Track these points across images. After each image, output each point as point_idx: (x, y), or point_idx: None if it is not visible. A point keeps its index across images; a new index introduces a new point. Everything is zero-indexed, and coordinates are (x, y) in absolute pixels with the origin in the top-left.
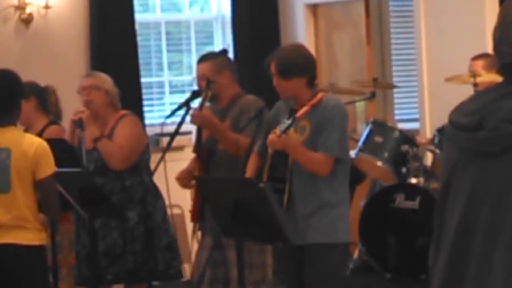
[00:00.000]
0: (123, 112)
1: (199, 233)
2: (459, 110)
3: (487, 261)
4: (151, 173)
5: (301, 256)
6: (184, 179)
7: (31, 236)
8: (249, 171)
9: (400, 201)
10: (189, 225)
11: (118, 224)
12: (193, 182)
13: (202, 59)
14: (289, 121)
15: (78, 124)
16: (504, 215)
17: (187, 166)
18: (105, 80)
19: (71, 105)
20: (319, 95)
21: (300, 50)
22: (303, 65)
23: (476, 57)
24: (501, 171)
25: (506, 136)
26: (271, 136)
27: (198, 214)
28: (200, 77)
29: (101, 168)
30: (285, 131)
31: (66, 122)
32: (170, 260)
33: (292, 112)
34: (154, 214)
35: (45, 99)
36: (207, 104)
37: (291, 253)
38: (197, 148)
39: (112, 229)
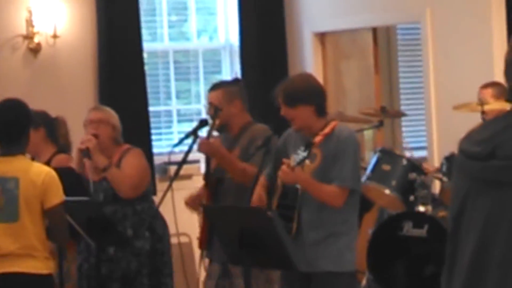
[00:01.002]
0: (127, 145)
1: (206, 261)
2: (469, 138)
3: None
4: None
5: (308, 284)
6: (192, 203)
7: (39, 264)
8: (255, 197)
9: (408, 229)
10: (197, 253)
11: (134, 248)
12: (201, 209)
13: (213, 88)
14: (304, 153)
15: (85, 153)
16: None
17: (195, 191)
18: (113, 115)
19: (79, 135)
20: (332, 124)
21: (306, 78)
22: (308, 93)
23: (485, 86)
24: None
25: None
26: (283, 168)
27: (206, 242)
28: (210, 105)
29: (112, 197)
30: (300, 163)
31: (74, 151)
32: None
33: (309, 145)
34: (164, 239)
35: (55, 129)
36: (215, 133)
37: (299, 280)
38: (206, 176)
39: (127, 254)
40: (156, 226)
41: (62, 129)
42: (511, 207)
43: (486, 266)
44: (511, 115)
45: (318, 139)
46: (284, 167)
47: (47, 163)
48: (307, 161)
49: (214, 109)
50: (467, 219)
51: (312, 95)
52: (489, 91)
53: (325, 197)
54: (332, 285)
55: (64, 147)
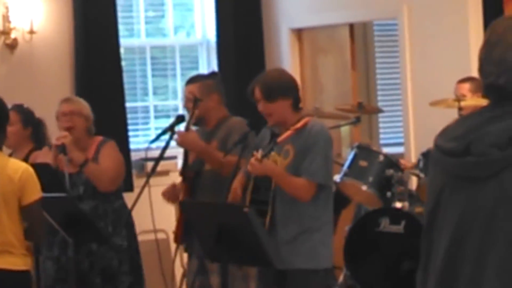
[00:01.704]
0: (100, 137)
1: (185, 255)
2: (445, 134)
3: (477, 286)
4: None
5: (283, 281)
6: (169, 195)
7: (17, 261)
8: (236, 189)
9: (385, 225)
10: (174, 249)
11: (114, 245)
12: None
13: (190, 81)
14: (270, 145)
15: (61, 149)
16: (492, 241)
17: (173, 182)
18: (84, 105)
19: (56, 130)
20: (304, 120)
21: (282, 72)
22: (286, 87)
23: (462, 80)
24: (489, 197)
25: (494, 161)
26: (251, 160)
27: (181, 236)
28: (187, 99)
29: (92, 191)
30: (265, 155)
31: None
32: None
33: (273, 136)
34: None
35: (41, 131)
36: (193, 127)
37: (274, 277)
38: (183, 170)
39: (107, 251)
40: (133, 223)
41: (46, 130)
42: (484, 203)
43: (459, 262)
44: (486, 111)
45: (286, 134)
46: (252, 159)
47: (25, 159)
48: (273, 153)
49: (193, 99)
50: (441, 214)
51: (289, 88)
52: (466, 86)
53: (293, 190)
54: (307, 282)
55: (40, 144)
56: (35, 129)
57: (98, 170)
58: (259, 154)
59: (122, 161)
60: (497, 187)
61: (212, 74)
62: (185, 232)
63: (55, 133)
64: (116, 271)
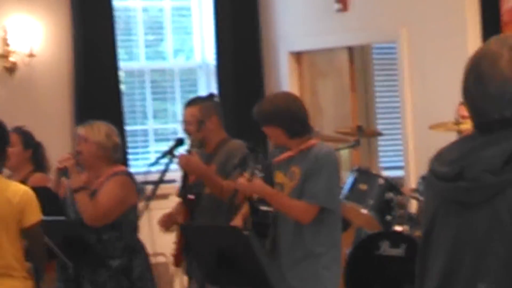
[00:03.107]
0: (117, 168)
1: (185, 278)
2: (439, 158)
3: None
4: (135, 230)
5: None
6: (164, 223)
7: (17, 284)
8: (238, 218)
9: (385, 248)
10: (174, 273)
11: (92, 277)
12: (176, 226)
13: (190, 103)
14: (255, 165)
15: (63, 172)
16: (486, 265)
17: (169, 210)
18: (98, 131)
19: (55, 153)
20: (311, 142)
21: (276, 100)
22: (273, 116)
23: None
24: (482, 222)
25: (487, 187)
26: (240, 179)
27: (180, 259)
28: (187, 122)
29: (78, 219)
30: (251, 174)
31: (52, 172)
32: None
33: (256, 156)
34: (133, 271)
35: (40, 154)
36: (194, 150)
37: None
38: (182, 192)
39: (83, 281)
40: (123, 258)
41: (46, 154)
42: (477, 228)
43: (453, 286)
44: (478, 136)
45: (284, 155)
46: (240, 178)
47: (23, 181)
48: (257, 172)
49: (198, 122)
50: (435, 238)
51: (277, 118)
52: None
53: (291, 211)
54: None
55: (40, 167)
56: (35, 151)
57: (85, 201)
58: (246, 174)
59: (121, 200)
60: (490, 212)
61: (210, 96)
62: (184, 255)
63: (54, 156)
64: None
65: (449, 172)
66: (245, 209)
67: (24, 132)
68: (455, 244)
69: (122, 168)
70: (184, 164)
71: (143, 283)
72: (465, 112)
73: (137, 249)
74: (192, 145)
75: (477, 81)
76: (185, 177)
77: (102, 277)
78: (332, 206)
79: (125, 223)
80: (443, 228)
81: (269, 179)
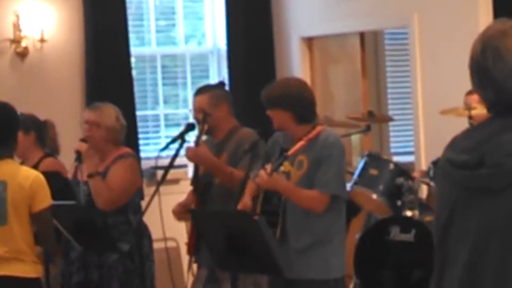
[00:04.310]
0: (123, 150)
1: (194, 266)
2: (454, 146)
3: None
4: (140, 213)
5: None
6: (179, 212)
7: (28, 268)
8: (246, 199)
9: (395, 234)
10: (184, 258)
11: (98, 262)
12: (189, 215)
13: (199, 92)
14: (279, 160)
15: (77, 156)
16: (511, 252)
17: (183, 200)
18: (108, 115)
19: (66, 138)
20: (317, 130)
21: (288, 84)
22: (284, 99)
23: (470, 92)
24: (506, 207)
25: (510, 172)
26: (261, 174)
27: (194, 248)
28: (196, 110)
29: (87, 203)
30: (275, 169)
31: (62, 156)
32: None
33: (282, 151)
34: (135, 255)
35: (44, 133)
36: (204, 137)
37: (283, 286)
38: (194, 180)
39: (90, 265)
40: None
41: (51, 132)
42: (502, 213)
43: (480, 273)
44: (495, 122)
45: (298, 145)
46: (261, 172)
47: (35, 166)
48: (282, 168)
49: (203, 115)
50: (456, 227)
51: (288, 102)
52: (475, 97)
53: (306, 203)
54: None
55: (52, 151)
56: (38, 132)
57: (100, 187)
58: (268, 168)
59: (130, 183)
60: None
61: (220, 84)
62: (197, 244)
63: (67, 138)
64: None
65: (469, 160)
66: (250, 188)
67: (20, 117)
68: (479, 232)
69: (127, 150)
70: (192, 156)
71: (149, 265)
72: (471, 101)
73: (143, 231)
74: (199, 137)
75: (496, 58)
76: (196, 165)
77: (108, 261)
78: (342, 194)
79: (131, 206)
80: (465, 216)
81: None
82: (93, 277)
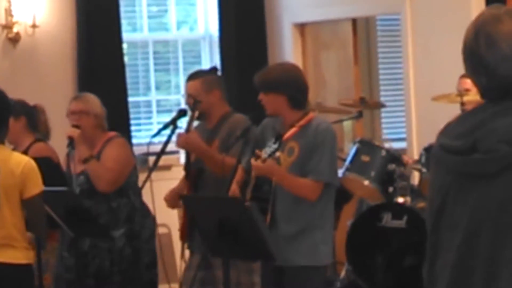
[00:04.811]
0: (111, 134)
1: (187, 253)
2: (447, 132)
3: (493, 281)
4: (139, 193)
5: (281, 277)
6: (172, 200)
7: (19, 254)
8: (233, 187)
9: (387, 220)
10: (176, 244)
11: (107, 245)
12: (181, 201)
13: (191, 77)
14: (275, 145)
15: (69, 142)
16: (504, 236)
17: (175, 186)
18: (94, 103)
19: (58, 124)
20: (308, 116)
21: (284, 68)
22: (280, 83)
23: (465, 75)
24: (499, 192)
25: (502, 157)
26: (255, 161)
27: (187, 234)
28: (189, 95)
29: (88, 191)
30: (270, 155)
31: (54, 141)
32: (151, 278)
33: (278, 136)
34: (141, 233)
35: (35, 118)
36: (195, 123)
37: (272, 272)
38: (186, 167)
39: (101, 250)
40: (135, 220)
41: (42, 117)
42: (494, 198)
43: (473, 258)
44: (487, 108)
45: (291, 131)
46: (255, 160)
47: (25, 152)
48: (278, 154)
49: (193, 101)
50: (449, 213)
51: (285, 85)
52: (469, 81)
53: (299, 191)
54: (305, 279)
55: (44, 137)
56: (28, 117)
57: (98, 169)
58: (263, 153)
59: (125, 160)
60: (506, 182)
61: (212, 70)
62: (190, 230)
63: (59, 124)
64: (108, 272)
65: (462, 146)
66: (239, 176)
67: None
68: (471, 217)
69: (114, 133)
70: (182, 143)
71: (150, 245)
72: (466, 85)
73: (145, 211)
74: (190, 123)
75: (489, 44)
76: (188, 152)
77: (118, 245)
78: (335, 181)
79: (130, 186)
80: (458, 201)
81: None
82: (106, 264)
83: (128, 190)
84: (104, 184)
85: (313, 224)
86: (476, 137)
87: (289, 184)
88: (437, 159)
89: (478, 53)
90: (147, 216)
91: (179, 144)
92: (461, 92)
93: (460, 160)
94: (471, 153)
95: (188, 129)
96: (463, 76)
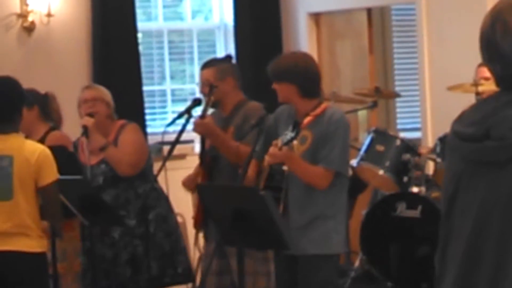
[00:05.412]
0: (122, 121)
1: (201, 241)
2: (461, 120)
3: (502, 269)
4: (155, 180)
5: (295, 266)
6: (189, 184)
7: (33, 243)
8: (249, 177)
9: (402, 210)
10: (190, 233)
11: (140, 230)
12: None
13: (205, 65)
14: (292, 134)
15: (83, 131)
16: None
17: (192, 172)
18: (106, 92)
19: (72, 113)
20: (323, 106)
21: (296, 57)
22: (290, 72)
23: (483, 64)
24: (509, 180)
25: None
26: (272, 149)
27: (201, 221)
28: (203, 83)
29: (111, 180)
30: (287, 143)
31: (66, 129)
32: (187, 263)
33: (296, 124)
34: (169, 218)
35: (47, 106)
36: (210, 110)
37: (285, 262)
38: (201, 154)
39: (133, 238)
40: (161, 207)
41: (54, 105)
42: (506, 186)
43: (482, 246)
44: (501, 96)
45: (307, 120)
46: (272, 148)
47: (41, 140)
48: (295, 142)
49: (209, 86)
50: (461, 200)
51: (295, 74)
52: (486, 69)
53: (310, 178)
54: (318, 267)
55: (56, 124)
56: (41, 105)
57: (117, 154)
58: (279, 142)
59: (143, 144)
60: None
61: (226, 58)
62: (204, 218)
63: (73, 113)
64: (141, 258)
65: (475, 133)
66: (253, 163)
67: None
68: (482, 204)
69: (124, 121)
70: (199, 128)
71: (179, 231)
72: (485, 73)
73: (166, 199)
74: (205, 109)
75: (505, 31)
76: (203, 139)
77: (150, 231)
78: (345, 171)
79: (151, 172)
80: (470, 189)
81: (269, 143)
82: (138, 251)
83: (149, 175)
84: (125, 167)
85: (325, 213)
86: (489, 124)
87: (302, 171)
88: (451, 146)
89: (495, 41)
90: (168, 202)
91: (195, 128)
92: (476, 82)
93: (472, 147)
94: (483, 140)
95: (203, 115)
96: (481, 65)
